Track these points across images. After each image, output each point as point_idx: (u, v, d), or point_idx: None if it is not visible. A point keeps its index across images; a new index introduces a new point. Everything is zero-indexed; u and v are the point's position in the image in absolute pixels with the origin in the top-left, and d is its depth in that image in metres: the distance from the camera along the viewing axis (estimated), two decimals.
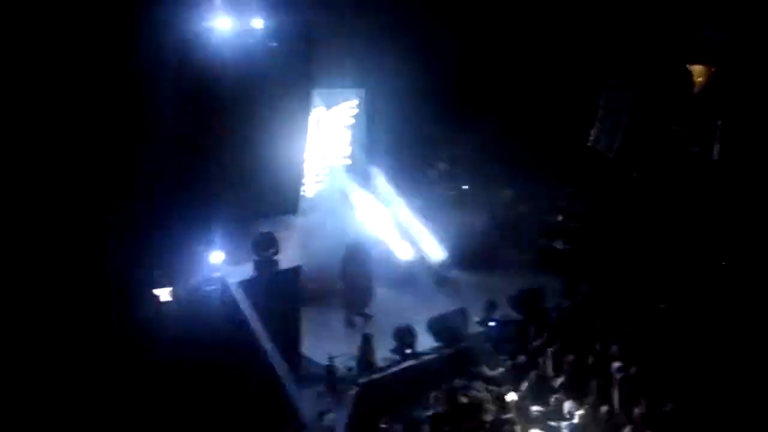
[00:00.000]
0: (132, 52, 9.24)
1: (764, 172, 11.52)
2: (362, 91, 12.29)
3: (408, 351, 9.38)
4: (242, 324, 8.13)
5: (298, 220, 10.85)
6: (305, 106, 9.98)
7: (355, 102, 12.20)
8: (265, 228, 9.03)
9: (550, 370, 8.80)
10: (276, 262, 8.67)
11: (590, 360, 9.02)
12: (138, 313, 8.47)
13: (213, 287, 8.45)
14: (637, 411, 7.92)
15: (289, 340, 8.61)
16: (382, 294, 11.10)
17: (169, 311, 8.69)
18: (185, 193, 9.30)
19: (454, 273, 12.21)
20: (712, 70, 12.39)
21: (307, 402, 8.44)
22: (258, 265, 8.63)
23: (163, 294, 8.86)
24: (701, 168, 12.14)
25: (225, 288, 8.35)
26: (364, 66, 12.02)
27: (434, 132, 13.05)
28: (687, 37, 12.34)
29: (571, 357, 8.99)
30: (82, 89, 8.46)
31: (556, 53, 12.87)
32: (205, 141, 9.18)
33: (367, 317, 10.61)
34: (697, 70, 12.48)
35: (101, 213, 8.75)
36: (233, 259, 8.63)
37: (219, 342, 7.91)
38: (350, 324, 10.40)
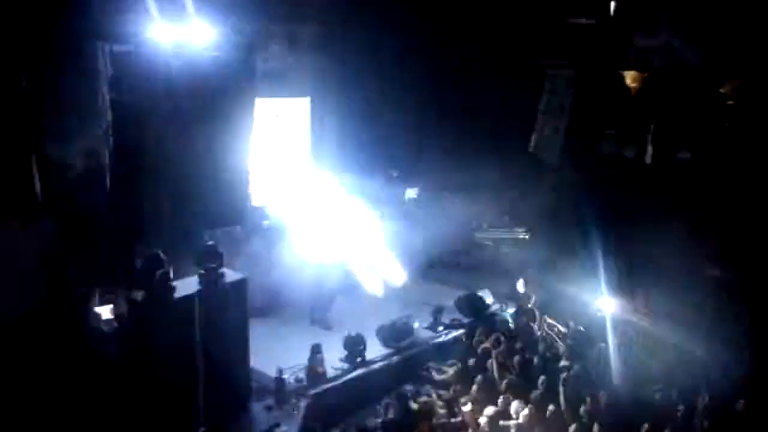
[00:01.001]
0: (68, 63, 9.02)
1: (696, 173, 12.08)
2: (308, 100, 12.27)
3: (358, 359, 9.41)
4: (189, 340, 7.99)
5: (246, 231, 10.76)
6: (249, 115, 9.88)
7: (302, 110, 12.16)
8: (210, 240, 8.90)
9: (496, 372, 8.97)
10: (221, 275, 8.55)
11: (536, 360, 9.26)
12: (79, 331, 8.24)
13: (158, 302, 8.25)
14: (582, 409, 8.16)
15: (237, 354, 8.51)
16: None
17: (112, 329, 8.47)
18: (127, 207, 9.09)
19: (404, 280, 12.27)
20: (645, 75, 12.89)
21: (257, 416, 8.37)
22: (203, 279, 8.50)
23: (105, 312, 8.64)
24: (635, 171, 12.62)
25: (170, 303, 8.18)
26: (311, 74, 12.01)
27: (382, 139, 13.14)
28: (621, 44, 12.82)
29: (516, 358, 9.21)
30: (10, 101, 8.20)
31: (498, 58, 13.15)
32: (147, 153, 9.00)
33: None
34: (631, 75, 12.97)
35: (37, 229, 8.47)
36: (178, 273, 8.46)
37: (165, 359, 7.74)
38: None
